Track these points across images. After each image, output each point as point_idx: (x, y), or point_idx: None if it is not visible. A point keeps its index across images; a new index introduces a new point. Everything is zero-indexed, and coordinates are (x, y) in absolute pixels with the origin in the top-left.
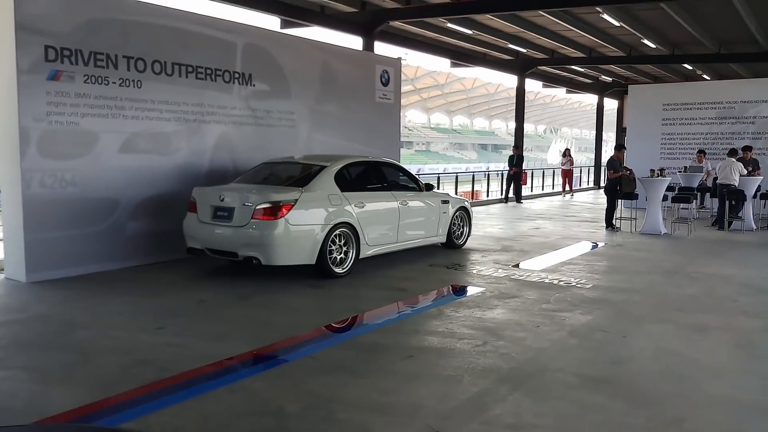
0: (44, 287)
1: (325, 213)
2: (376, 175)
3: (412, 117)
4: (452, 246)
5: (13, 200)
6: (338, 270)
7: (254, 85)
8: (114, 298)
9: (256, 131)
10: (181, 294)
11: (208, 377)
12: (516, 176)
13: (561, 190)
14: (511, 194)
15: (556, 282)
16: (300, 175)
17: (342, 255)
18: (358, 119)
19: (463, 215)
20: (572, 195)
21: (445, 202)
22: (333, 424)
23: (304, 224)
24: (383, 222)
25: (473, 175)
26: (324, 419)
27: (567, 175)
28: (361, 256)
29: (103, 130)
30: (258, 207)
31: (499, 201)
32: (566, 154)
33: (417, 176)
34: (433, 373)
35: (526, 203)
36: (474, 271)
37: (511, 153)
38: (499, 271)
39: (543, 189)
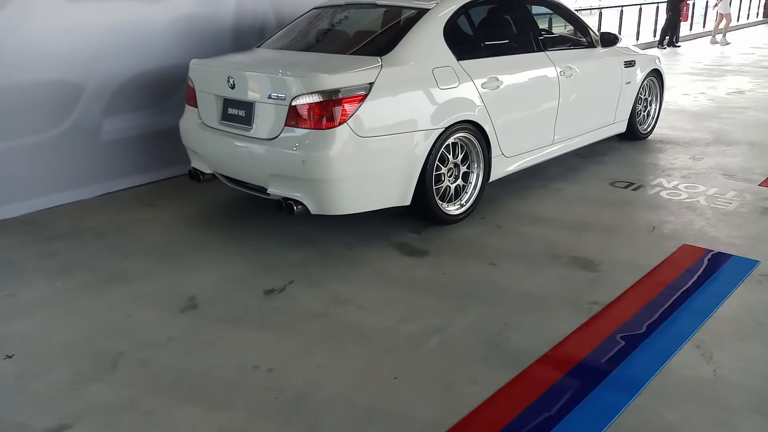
0: None
1: (431, 104)
2: (519, 24)
3: None
4: (635, 136)
5: None
6: (452, 209)
7: None
8: (34, 287)
9: None
10: (165, 278)
11: None
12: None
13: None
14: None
15: None
16: (380, 29)
17: (460, 180)
18: None
19: (653, 84)
20: None
21: (630, 64)
22: None
23: (388, 132)
24: (532, 109)
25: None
26: None
27: None
28: (492, 178)
29: None
30: (296, 102)
31: (649, 46)
32: None
33: (585, 21)
34: None
35: (685, 47)
36: (700, 200)
37: None
38: (747, 197)
39: (705, 27)
